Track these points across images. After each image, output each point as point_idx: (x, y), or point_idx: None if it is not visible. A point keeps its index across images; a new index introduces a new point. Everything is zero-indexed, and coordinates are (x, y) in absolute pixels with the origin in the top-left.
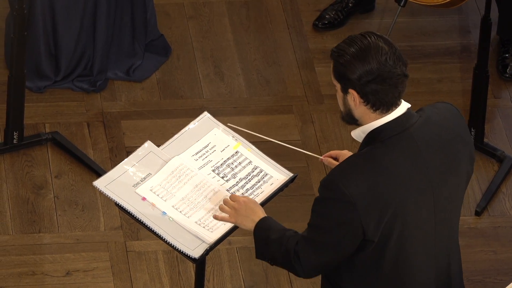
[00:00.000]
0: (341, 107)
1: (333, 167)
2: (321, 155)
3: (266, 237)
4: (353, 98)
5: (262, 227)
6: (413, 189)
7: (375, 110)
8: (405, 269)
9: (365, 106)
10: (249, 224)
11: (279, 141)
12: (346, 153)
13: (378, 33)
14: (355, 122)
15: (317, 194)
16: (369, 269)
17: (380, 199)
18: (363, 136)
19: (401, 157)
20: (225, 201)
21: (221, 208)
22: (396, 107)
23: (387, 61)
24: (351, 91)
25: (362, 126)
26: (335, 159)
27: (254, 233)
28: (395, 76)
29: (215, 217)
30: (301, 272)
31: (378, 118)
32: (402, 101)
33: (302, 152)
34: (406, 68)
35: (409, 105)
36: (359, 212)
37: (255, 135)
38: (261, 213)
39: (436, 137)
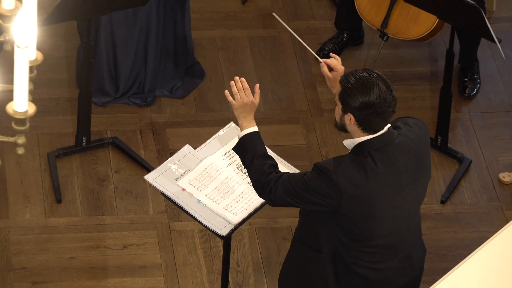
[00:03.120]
0: (337, 119)
1: (325, 74)
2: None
3: (254, 154)
4: (349, 119)
5: (256, 140)
6: (388, 188)
7: (364, 131)
8: (373, 238)
9: (357, 127)
10: (243, 122)
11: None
12: (340, 72)
13: (380, 74)
14: (346, 132)
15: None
16: (344, 233)
17: (361, 193)
18: (353, 146)
19: (382, 164)
20: (238, 89)
21: (232, 88)
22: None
23: (384, 99)
24: (349, 114)
25: (353, 139)
26: (331, 71)
27: (244, 136)
28: (387, 113)
29: (226, 95)
30: (269, 201)
31: (366, 135)
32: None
33: (308, 50)
34: (396, 105)
35: (390, 125)
36: (343, 198)
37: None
38: (253, 121)
39: (409, 149)
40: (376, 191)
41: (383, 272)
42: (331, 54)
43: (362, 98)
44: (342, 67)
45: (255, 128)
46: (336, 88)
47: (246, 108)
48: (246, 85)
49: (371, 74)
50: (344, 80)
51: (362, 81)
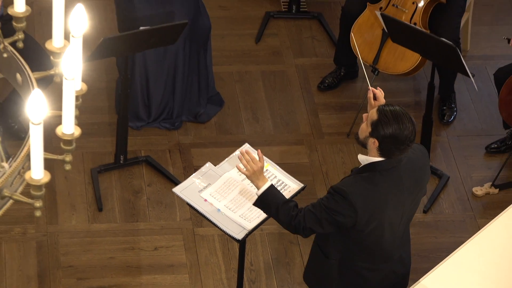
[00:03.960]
0: (361, 137)
1: (369, 100)
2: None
3: (274, 205)
4: (373, 142)
5: (272, 194)
6: (392, 202)
7: (380, 155)
8: (375, 246)
9: (376, 150)
10: (257, 182)
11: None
12: (381, 102)
13: (411, 116)
14: (363, 147)
15: (318, 197)
16: (353, 243)
17: (371, 208)
18: (366, 162)
19: (387, 183)
20: (247, 161)
21: (241, 161)
22: None
23: (408, 138)
24: (375, 139)
25: (368, 157)
26: (374, 99)
27: (263, 194)
28: (406, 148)
29: (238, 168)
30: (303, 236)
31: (380, 157)
32: None
33: (364, 75)
34: (413, 143)
35: None
36: (356, 216)
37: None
38: (265, 179)
39: (413, 170)
40: (383, 205)
41: (380, 272)
42: (378, 88)
43: (392, 131)
44: (384, 100)
45: (269, 183)
46: (371, 114)
47: (256, 173)
48: (251, 155)
49: (405, 114)
50: (382, 110)
51: (397, 118)
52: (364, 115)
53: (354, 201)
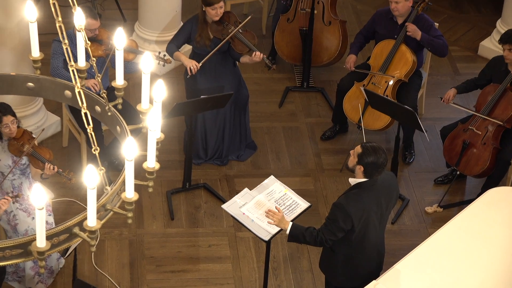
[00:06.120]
0: (350, 166)
1: (355, 151)
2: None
3: (301, 234)
4: (359, 168)
5: (297, 227)
6: (373, 210)
7: (364, 176)
8: (364, 241)
9: (362, 173)
10: (284, 226)
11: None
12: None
13: (384, 149)
14: (351, 172)
15: (320, 213)
16: (347, 239)
17: (360, 214)
18: (355, 183)
19: (370, 196)
20: (272, 213)
21: (270, 214)
22: None
23: (383, 164)
24: (361, 165)
25: (356, 179)
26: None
27: (291, 230)
28: (382, 170)
29: (269, 222)
30: (327, 246)
31: (364, 178)
32: None
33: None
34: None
35: None
36: (352, 220)
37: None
38: (287, 222)
39: (385, 186)
40: (368, 211)
41: (367, 261)
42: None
43: (373, 159)
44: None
45: (291, 223)
46: (357, 149)
47: (280, 220)
48: (274, 210)
49: (380, 147)
50: (364, 146)
51: (375, 150)
52: (351, 151)
53: (349, 210)
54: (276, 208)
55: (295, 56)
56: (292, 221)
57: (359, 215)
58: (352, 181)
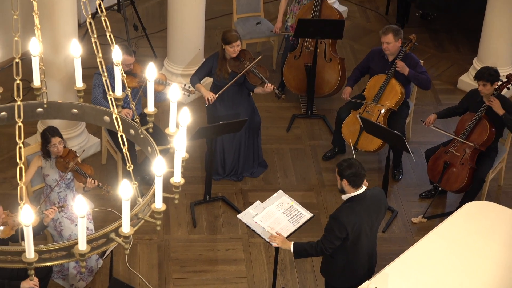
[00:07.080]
0: (339, 187)
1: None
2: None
3: (304, 249)
4: (345, 182)
5: (298, 244)
6: (364, 220)
7: (352, 187)
8: (357, 247)
9: (348, 185)
10: (287, 246)
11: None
12: None
13: (358, 161)
14: (343, 192)
15: (321, 223)
16: (343, 246)
17: (353, 224)
18: (347, 198)
19: (361, 208)
20: (274, 237)
21: (273, 238)
22: (361, 187)
23: (360, 170)
24: (344, 179)
25: (347, 194)
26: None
27: (294, 248)
28: (361, 176)
29: (274, 245)
30: (327, 253)
31: (354, 192)
32: (363, 185)
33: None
34: (365, 173)
35: (366, 187)
36: (346, 229)
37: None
38: (289, 242)
39: (375, 200)
40: (360, 221)
41: (360, 265)
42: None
43: (350, 171)
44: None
45: (292, 242)
46: (336, 170)
47: (283, 241)
48: (277, 233)
49: (353, 160)
50: (339, 164)
51: (349, 163)
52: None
53: (343, 220)
54: (276, 233)
55: (301, 88)
56: (297, 228)
57: (352, 224)
58: (345, 197)
